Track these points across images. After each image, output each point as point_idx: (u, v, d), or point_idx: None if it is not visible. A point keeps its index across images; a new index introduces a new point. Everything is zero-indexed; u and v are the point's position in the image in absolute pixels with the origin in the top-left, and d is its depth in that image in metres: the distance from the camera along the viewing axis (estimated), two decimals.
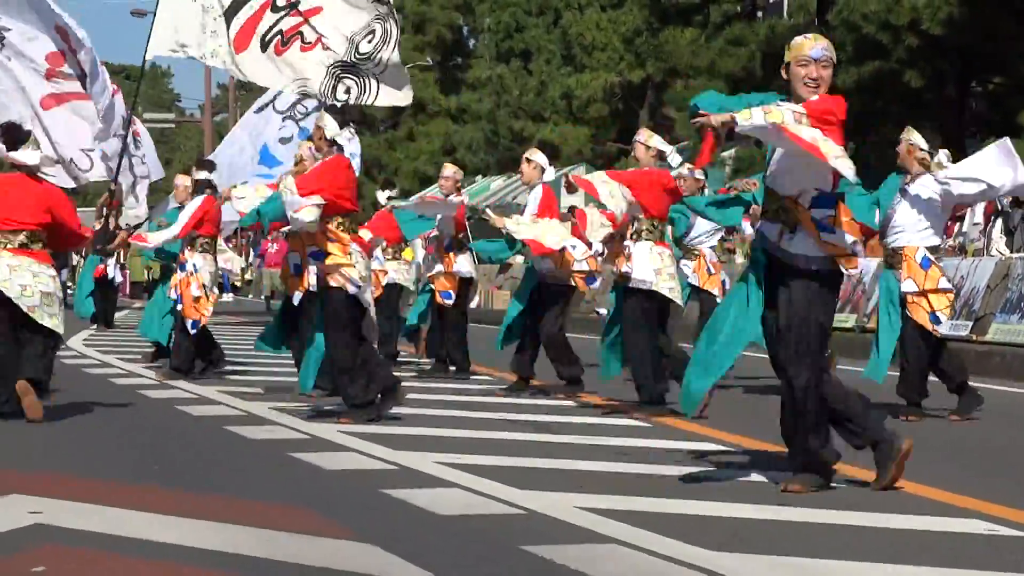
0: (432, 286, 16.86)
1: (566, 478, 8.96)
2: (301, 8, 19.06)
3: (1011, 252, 22.02)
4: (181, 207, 16.68)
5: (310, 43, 19.29)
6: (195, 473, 9.27)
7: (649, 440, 11.16)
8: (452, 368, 17.02)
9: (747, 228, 14.95)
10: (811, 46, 8.63)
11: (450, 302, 16.55)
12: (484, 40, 58.25)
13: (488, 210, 15.42)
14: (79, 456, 9.96)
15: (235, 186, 16.14)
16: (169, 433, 11.29)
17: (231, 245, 37.68)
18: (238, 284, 40.07)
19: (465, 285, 16.78)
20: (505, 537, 6.96)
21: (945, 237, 18.12)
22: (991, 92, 33.72)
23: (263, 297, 41.07)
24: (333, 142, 12.05)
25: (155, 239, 16.12)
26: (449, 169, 17.43)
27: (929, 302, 12.56)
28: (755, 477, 9.24)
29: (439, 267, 16.67)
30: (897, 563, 6.51)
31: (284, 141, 24.46)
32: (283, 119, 24.05)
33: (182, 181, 17.59)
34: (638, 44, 43.78)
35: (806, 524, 7.53)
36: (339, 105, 19.63)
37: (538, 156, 16.08)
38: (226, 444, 10.67)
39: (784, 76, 8.71)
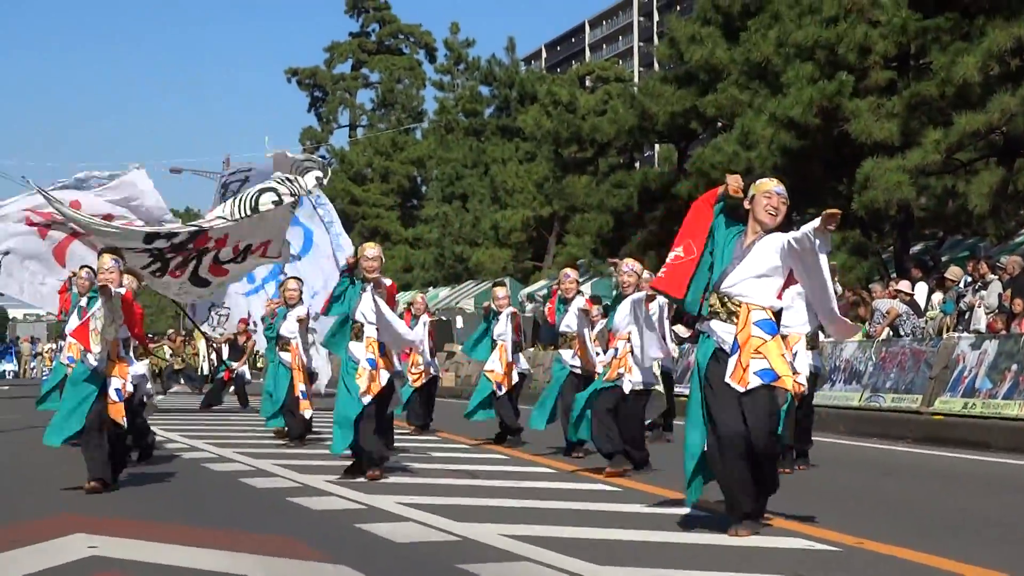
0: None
1: (491, 512, 8.69)
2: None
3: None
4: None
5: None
6: (216, 513, 9.06)
7: (555, 483, 10.87)
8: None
9: None
10: (775, 185, 7.83)
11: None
12: (433, 186, 58.48)
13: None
14: (131, 503, 9.62)
15: None
16: (197, 484, 10.90)
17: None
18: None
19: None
20: (444, 558, 6.87)
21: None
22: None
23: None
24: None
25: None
26: (501, 291, 16.13)
27: None
28: (632, 509, 9.01)
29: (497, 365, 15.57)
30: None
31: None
32: None
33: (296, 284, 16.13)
34: (546, 188, 44.03)
35: (663, 544, 7.48)
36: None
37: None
38: (239, 491, 10.39)
39: (747, 207, 7.79)
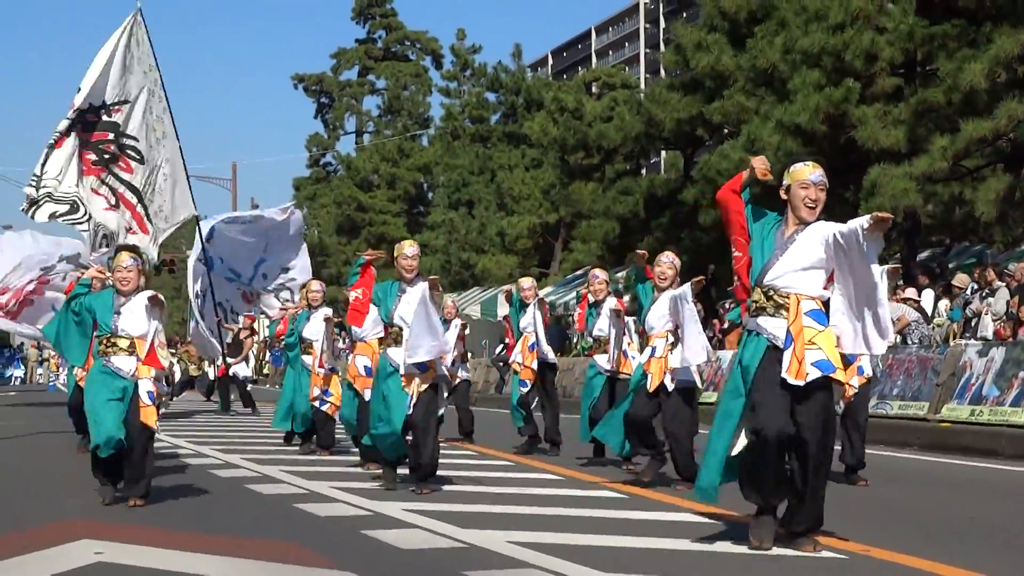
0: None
1: (498, 519, 8.69)
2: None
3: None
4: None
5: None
6: (222, 519, 9.04)
7: (562, 490, 10.86)
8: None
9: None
10: (811, 171, 7.34)
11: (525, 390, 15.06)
12: (439, 193, 58.52)
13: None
14: (137, 509, 9.50)
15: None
16: (203, 490, 10.79)
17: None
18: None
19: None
20: (451, 564, 6.86)
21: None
22: None
23: None
24: None
25: None
26: (527, 281, 15.63)
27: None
28: (639, 516, 9.01)
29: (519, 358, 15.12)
30: None
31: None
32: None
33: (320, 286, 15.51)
34: (553, 194, 44.02)
35: (670, 551, 7.49)
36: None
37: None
38: (245, 497, 10.38)
39: (784, 197, 7.41)
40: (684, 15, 43.99)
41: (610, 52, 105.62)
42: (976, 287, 20.56)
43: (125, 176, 21.32)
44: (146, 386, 9.76)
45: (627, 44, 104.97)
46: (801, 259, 7.30)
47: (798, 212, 7.35)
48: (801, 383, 7.09)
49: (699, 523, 8.54)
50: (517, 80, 54.13)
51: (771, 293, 7.35)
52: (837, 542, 7.54)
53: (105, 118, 21.37)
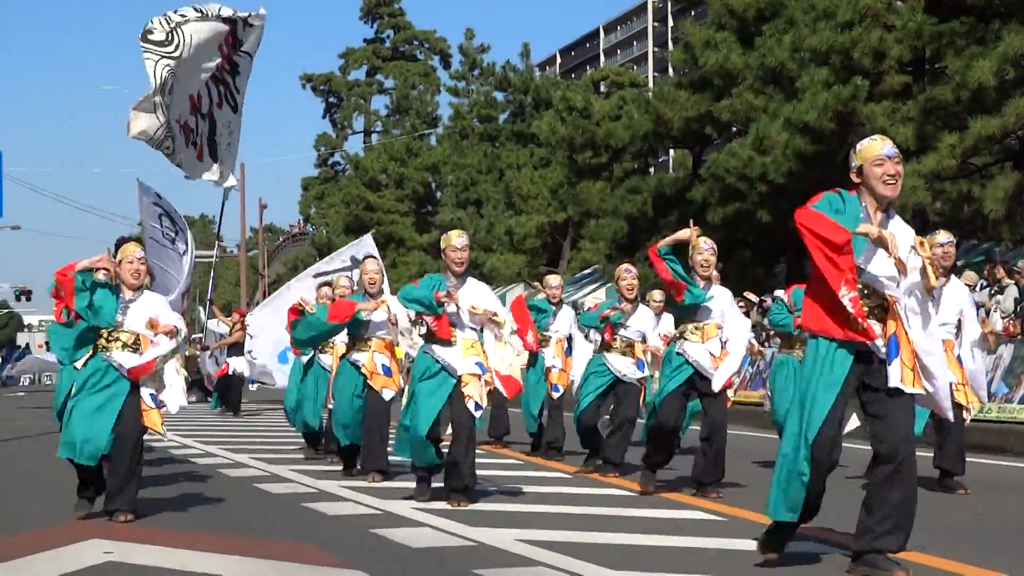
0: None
1: (507, 517, 8.69)
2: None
3: None
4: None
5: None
6: (232, 519, 9.05)
7: (571, 488, 10.84)
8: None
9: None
10: (881, 145, 6.66)
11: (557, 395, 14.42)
12: (447, 192, 58.56)
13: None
14: (146, 508, 9.33)
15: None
16: (212, 489, 10.80)
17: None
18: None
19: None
20: (460, 563, 6.89)
21: None
22: None
23: None
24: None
25: None
26: (555, 279, 15.16)
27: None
28: (649, 514, 8.98)
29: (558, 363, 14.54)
30: None
31: None
32: None
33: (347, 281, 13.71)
34: (561, 193, 44.04)
35: (681, 548, 7.48)
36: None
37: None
38: (255, 496, 10.40)
39: (856, 179, 6.66)
40: (692, 13, 43.87)
41: (618, 51, 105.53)
42: (985, 284, 20.52)
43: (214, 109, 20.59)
44: (148, 389, 9.28)
45: (635, 43, 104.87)
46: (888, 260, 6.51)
47: (878, 191, 6.65)
48: (921, 391, 6.51)
49: (709, 520, 8.57)
50: (525, 79, 54.15)
51: (867, 292, 6.54)
52: (845, 539, 7.53)
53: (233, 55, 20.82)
